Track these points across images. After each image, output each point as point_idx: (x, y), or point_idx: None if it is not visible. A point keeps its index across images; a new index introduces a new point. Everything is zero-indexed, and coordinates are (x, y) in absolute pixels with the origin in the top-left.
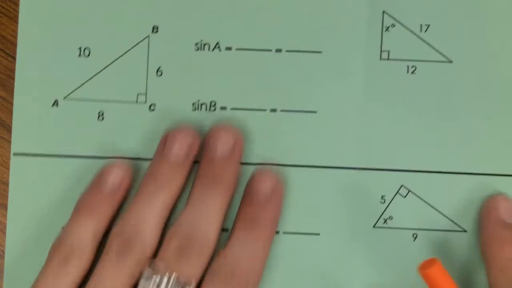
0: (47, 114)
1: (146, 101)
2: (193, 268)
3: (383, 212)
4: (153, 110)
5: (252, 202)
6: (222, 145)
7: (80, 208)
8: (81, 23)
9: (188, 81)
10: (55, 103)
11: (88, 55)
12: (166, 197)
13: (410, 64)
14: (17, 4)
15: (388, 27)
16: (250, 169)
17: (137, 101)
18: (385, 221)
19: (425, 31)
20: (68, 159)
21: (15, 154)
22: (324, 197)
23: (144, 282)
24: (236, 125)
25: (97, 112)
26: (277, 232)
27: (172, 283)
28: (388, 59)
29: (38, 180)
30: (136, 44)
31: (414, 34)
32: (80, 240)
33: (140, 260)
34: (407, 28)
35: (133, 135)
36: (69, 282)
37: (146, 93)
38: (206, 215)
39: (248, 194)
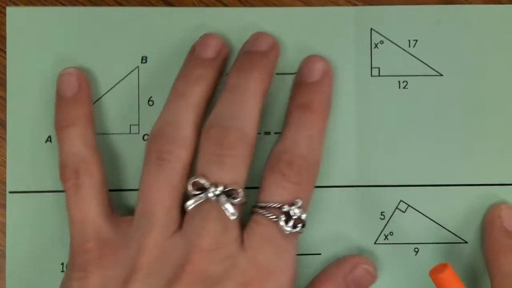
0: (41, 150)
1: (139, 132)
2: (236, 167)
3: (384, 228)
4: (147, 140)
5: (304, 86)
6: (262, 41)
7: (58, 126)
8: (69, 58)
9: None
10: (48, 139)
11: None
12: (199, 91)
13: (402, 79)
14: (17, 4)
15: (377, 44)
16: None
17: (130, 132)
18: (386, 237)
19: (414, 46)
20: (64, 194)
21: (10, 192)
22: (323, 216)
23: (190, 202)
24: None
25: None
26: None
27: (219, 195)
28: (379, 75)
29: (34, 216)
30: (126, 76)
31: (403, 49)
32: (75, 154)
33: (181, 160)
34: (395, 44)
35: (127, 166)
36: (90, 196)
37: (138, 124)
38: (245, 99)
39: (300, 78)
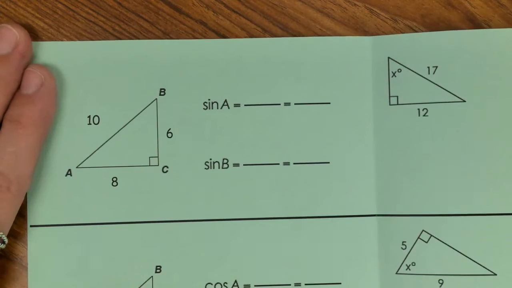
0: (61, 184)
1: (158, 164)
2: None
3: (405, 258)
4: (166, 172)
5: (18, 97)
6: (2, 41)
7: None
8: (88, 91)
9: (199, 140)
10: (68, 172)
11: (98, 122)
12: None
13: (421, 107)
14: (17, 5)
15: (395, 72)
16: (267, 224)
17: (149, 164)
18: (408, 267)
19: (434, 72)
20: (85, 227)
21: (31, 226)
22: (343, 246)
23: None
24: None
25: (111, 178)
26: (299, 284)
27: None
28: (397, 104)
29: (56, 250)
30: (145, 108)
31: (422, 77)
32: None
33: None
34: (414, 72)
35: (147, 198)
36: None
37: (158, 156)
38: None
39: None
